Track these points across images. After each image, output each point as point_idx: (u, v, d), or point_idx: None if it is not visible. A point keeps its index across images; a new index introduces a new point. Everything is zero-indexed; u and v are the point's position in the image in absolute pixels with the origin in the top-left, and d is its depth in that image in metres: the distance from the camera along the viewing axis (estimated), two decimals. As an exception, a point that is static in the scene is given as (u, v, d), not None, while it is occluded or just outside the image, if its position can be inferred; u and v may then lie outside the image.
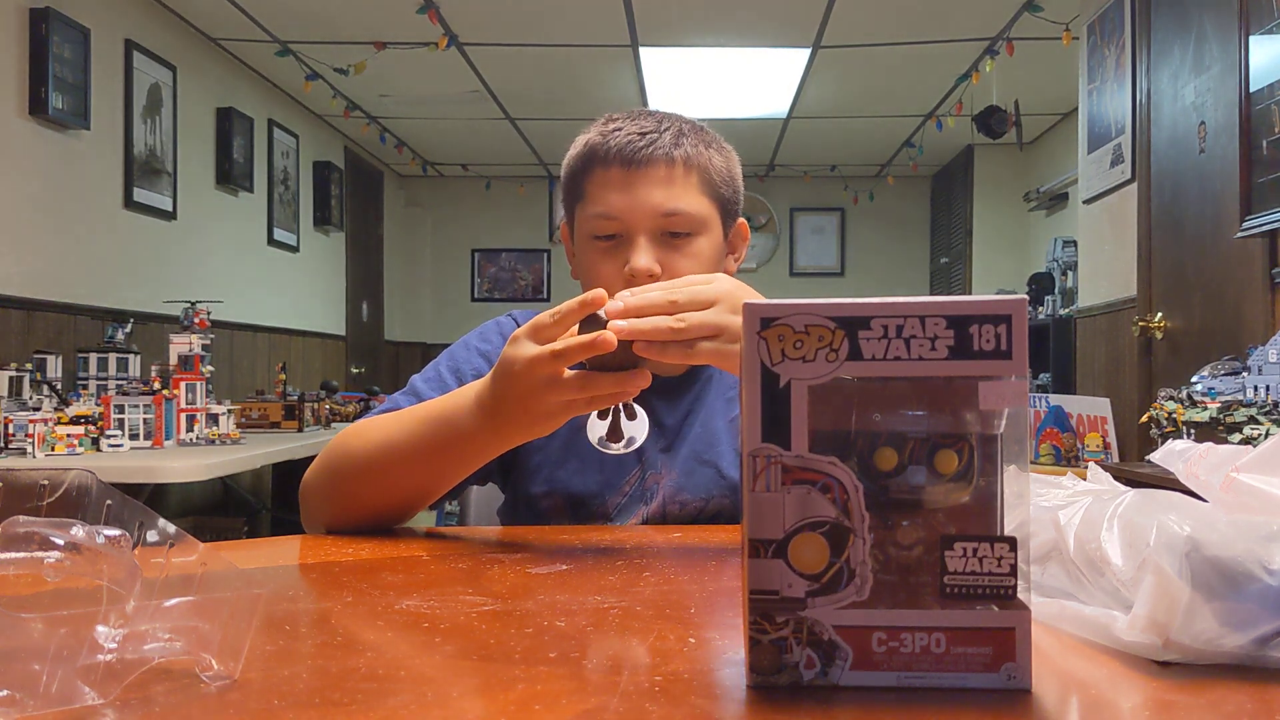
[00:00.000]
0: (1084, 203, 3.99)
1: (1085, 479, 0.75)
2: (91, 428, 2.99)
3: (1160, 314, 3.30)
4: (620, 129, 1.13)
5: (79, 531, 0.46)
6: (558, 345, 0.83)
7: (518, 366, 0.85)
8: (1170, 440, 0.78)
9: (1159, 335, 3.30)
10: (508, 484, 1.21)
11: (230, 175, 4.86)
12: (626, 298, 0.84)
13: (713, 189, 1.14)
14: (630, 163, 1.11)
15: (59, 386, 3.23)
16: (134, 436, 3.09)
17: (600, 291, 0.82)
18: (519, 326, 1.23)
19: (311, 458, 1.07)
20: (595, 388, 0.84)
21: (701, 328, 0.85)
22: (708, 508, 1.14)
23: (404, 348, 7.72)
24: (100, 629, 0.45)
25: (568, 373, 0.84)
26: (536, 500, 1.15)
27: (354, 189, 6.76)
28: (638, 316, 0.84)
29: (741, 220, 1.21)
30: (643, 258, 1.09)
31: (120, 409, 3.09)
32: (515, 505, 1.19)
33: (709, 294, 0.86)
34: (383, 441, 0.99)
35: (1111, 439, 3.51)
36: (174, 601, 0.47)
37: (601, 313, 0.83)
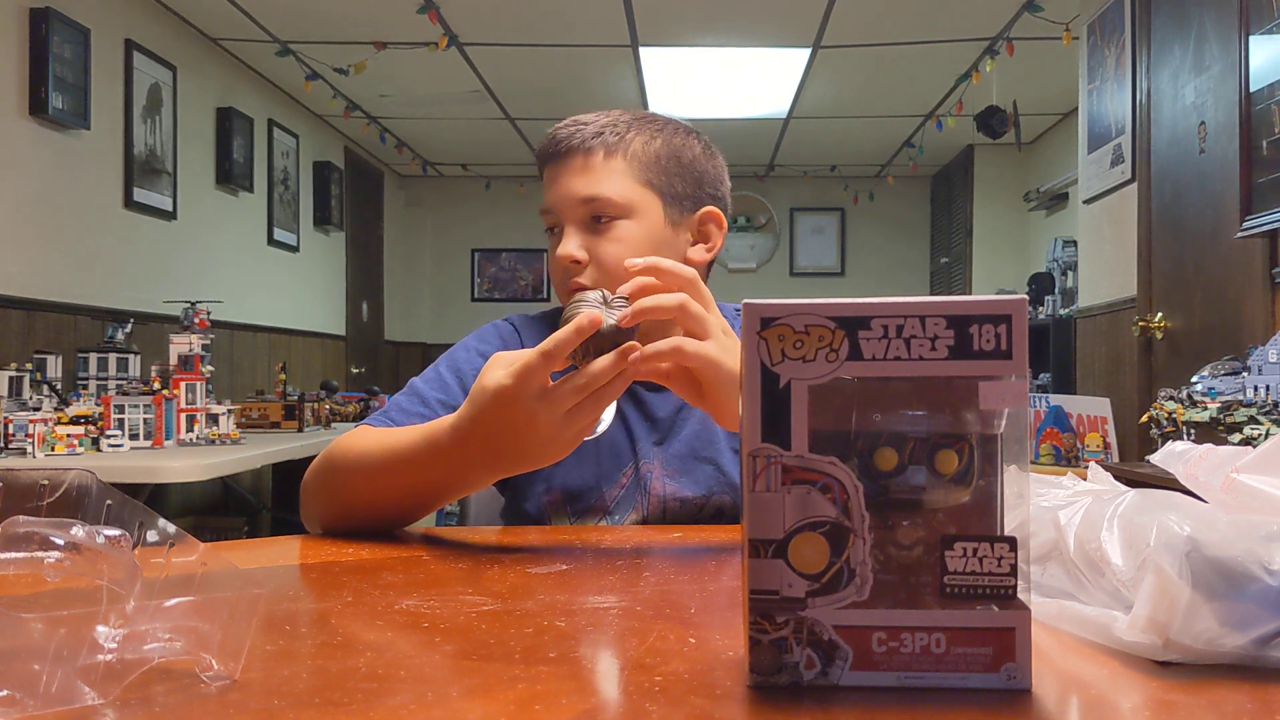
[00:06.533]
0: (1084, 203, 3.99)
1: (1085, 479, 0.75)
2: (91, 428, 2.99)
3: (1160, 314, 3.30)
4: (561, 127, 1.17)
5: (79, 531, 0.46)
6: (545, 345, 0.82)
7: (507, 384, 0.84)
8: (1170, 441, 0.78)
9: (1159, 335, 3.30)
10: (506, 487, 1.21)
11: (230, 175, 4.86)
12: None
13: (645, 174, 1.15)
14: (554, 156, 1.17)
15: (59, 386, 3.23)
16: (134, 436, 3.09)
17: (594, 314, 0.82)
18: (516, 331, 1.24)
19: (311, 458, 1.07)
20: (593, 378, 0.83)
21: (700, 321, 0.86)
22: (708, 504, 1.15)
23: (404, 348, 7.72)
24: (100, 629, 0.45)
25: (567, 382, 0.83)
26: (536, 498, 1.16)
27: (354, 189, 6.76)
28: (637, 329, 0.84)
29: (711, 209, 1.19)
30: (566, 245, 1.14)
31: (120, 409, 3.08)
32: (515, 505, 1.20)
33: (702, 316, 0.88)
34: (373, 465, 0.98)
35: (1112, 439, 3.51)
36: (174, 601, 0.47)
37: (606, 316, 0.83)
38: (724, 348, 0.87)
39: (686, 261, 1.18)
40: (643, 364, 0.85)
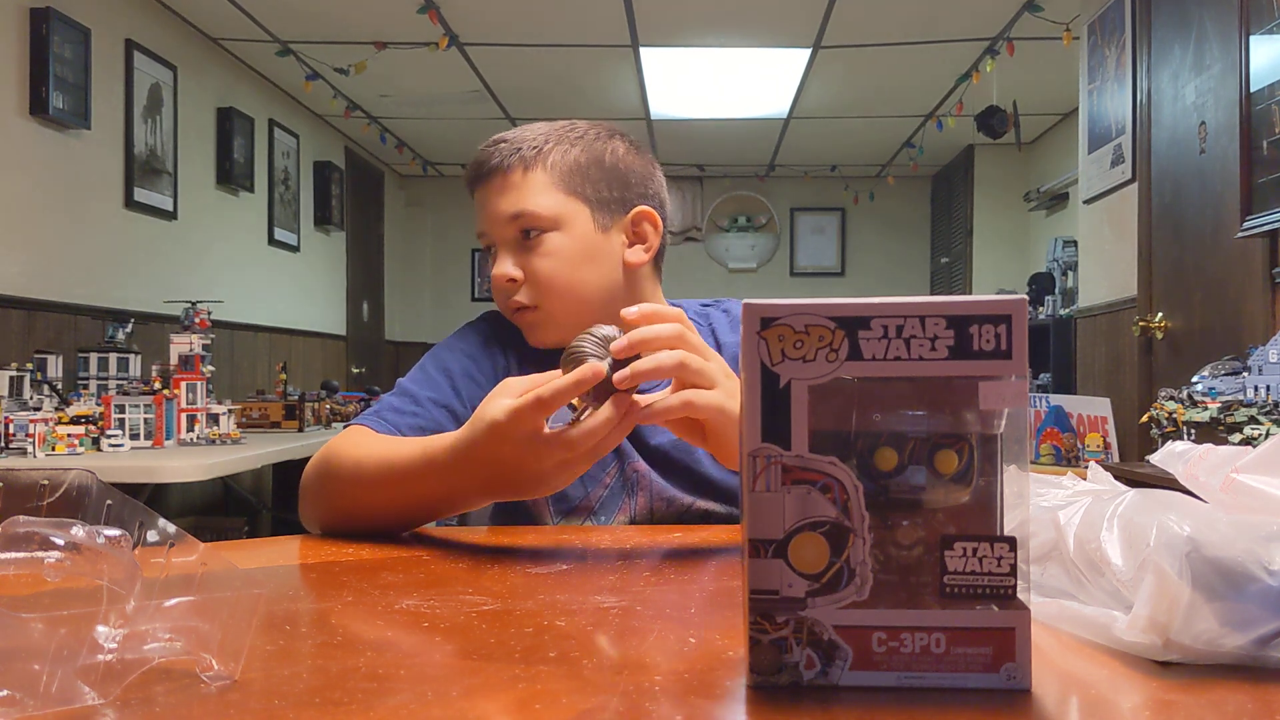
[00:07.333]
0: (1084, 203, 3.99)
1: (1085, 479, 0.75)
2: (92, 427, 2.99)
3: (1160, 314, 3.30)
4: (483, 148, 1.17)
5: (79, 531, 0.46)
6: (544, 391, 0.81)
7: (501, 420, 0.83)
8: (1170, 441, 0.78)
9: (1159, 335, 3.30)
10: None
11: (231, 175, 4.86)
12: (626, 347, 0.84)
13: (568, 183, 1.14)
14: (478, 179, 1.17)
15: (59, 386, 3.23)
16: (134, 436, 3.09)
17: (597, 366, 0.81)
18: (494, 329, 1.24)
19: (311, 458, 1.07)
20: (586, 436, 0.82)
21: (701, 374, 0.85)
22: (694, 506, 1.15)
23: (404, 348, 7.72)
24: (100, 629, 0.45)
25: (549, 428, 0.83)
26: (522, 499, 1.16)
27: (354, 189, 6.76)
28: (636, 374, 0.83)
29: (643, 209, 1.18)
30: (499, 266, 1.15)
31: (121, 409, 3.09)
32: (502, 507, 1.20)
33: (704, 369, 0.86)
34: (371, 477, 0.98)
35: (1112, 439, 3.51)
36: (174, 601, 0.47)
37: (606, 365, 0.82)
38: (730, 393, 0.86)
39: (625, 264, 1.17)
40: (650, 419, 0.85)
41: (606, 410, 0.81)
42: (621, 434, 0.84)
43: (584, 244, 1.15)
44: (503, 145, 1.16)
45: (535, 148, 1.14)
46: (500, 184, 1.15)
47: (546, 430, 0.83)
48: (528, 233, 1.14)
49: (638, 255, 1.18)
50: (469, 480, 0.90)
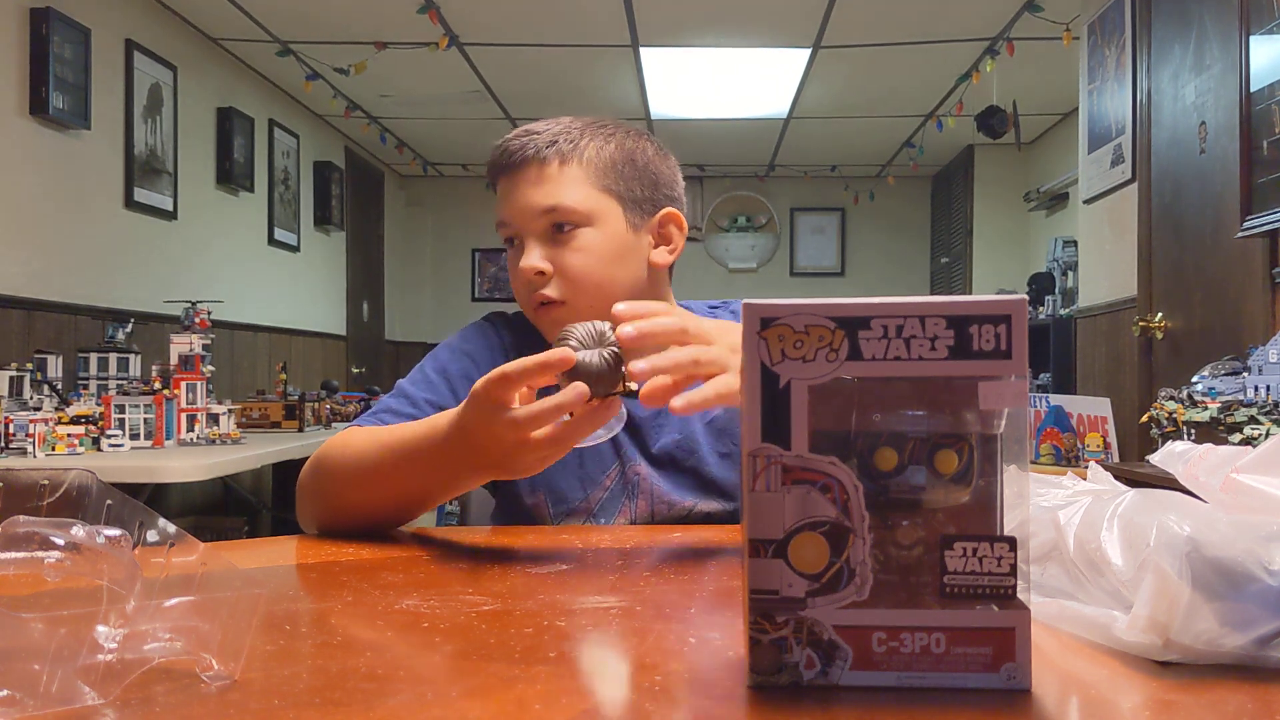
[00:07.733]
0: (1084, 203, 3.99)
1: (1085, 479, 0.75)
2: (92, 427, 2.99)
3: (1160, 314, 3.30)
4: (512, 138, 1.15)
5: (79, 531, 0.46)
6: (509, 366, 0.81)
7: (476, 390, 0.84)
8: (1170, 441, 0.78)
9: (1159, 335, 3.30)
10: (496, 489, 1.21)
11: (231, 175, 4.86)
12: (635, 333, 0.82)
13: (603, 179, 1.13)
14: (507, 168, 1.14)
15: (59, 386, 3.23)
16: (134, 436, 3.09)
17: (566, 352, 0.80)
18: (498, 330, 1.24)
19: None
20: (543, 414, 0.81)
21: (715, 363, 0.84)
22: (696, 509, 1.14)
23: (404, 347, 7.72)
24: (100, 629, 0.45)
25: (520, 409, 0.82)
26: (521, 499, 1.16)
27: (355, 189, 6.76)
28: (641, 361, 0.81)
29: (671, 210, 1.18)
30: (528, 258, 1.12)
31: (121, 409, 3.08)
32: (502, 507, 1.20)
33: (716, 356, 0.85)
34: (369, 461, 0.98)
35: (1112, 439, 3.51)
36: (174, 601, 0.47)
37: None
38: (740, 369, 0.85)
39: (651, 265, 1.17)
40: (688, 412, 0.82)
41: (557, 398, 0.80)
42: (591, 427, 0.82)
43: (617, 242, 1.14)
44: (536, 136, 1.13)
45: (571, 141, 1.13)
46: (535, 175, 1.12)
47: (512, 409, 0.82)
48: (560, 226, 1.12)
49: (663, 257, 1.18)
50: (453, 454, 0.89)
